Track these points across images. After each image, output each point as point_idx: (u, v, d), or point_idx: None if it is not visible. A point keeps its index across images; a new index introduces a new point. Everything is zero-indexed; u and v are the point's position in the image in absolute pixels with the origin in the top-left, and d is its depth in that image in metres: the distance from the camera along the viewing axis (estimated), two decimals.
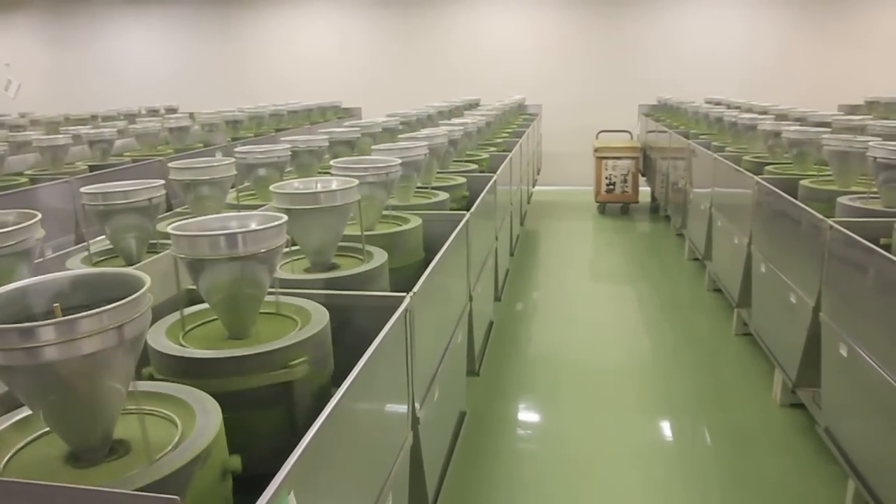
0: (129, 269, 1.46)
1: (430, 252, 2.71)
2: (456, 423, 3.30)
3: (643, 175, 9.52)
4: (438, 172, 4.40)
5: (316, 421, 1.37)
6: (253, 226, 1.85)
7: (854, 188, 3.85)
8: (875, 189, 3.53)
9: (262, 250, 1.77)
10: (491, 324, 4.73)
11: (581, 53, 11.37)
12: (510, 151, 5.81)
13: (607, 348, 4.96)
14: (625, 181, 8.92)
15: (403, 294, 2.09)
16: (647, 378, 4.48)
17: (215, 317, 1.96)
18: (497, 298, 5.07)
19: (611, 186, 8.97)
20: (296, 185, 2.48)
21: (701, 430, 3.87)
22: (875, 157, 3.33)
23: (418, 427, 2.24)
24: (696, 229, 6.29)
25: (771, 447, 3.65)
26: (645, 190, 9.45)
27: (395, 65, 11.79)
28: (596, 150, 9.06)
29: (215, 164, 3.01)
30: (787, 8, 11.06)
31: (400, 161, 3.06)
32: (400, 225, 3.02)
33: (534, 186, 9.60)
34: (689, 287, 6.21)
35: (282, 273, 2.29)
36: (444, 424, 3.00)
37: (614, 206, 9.27)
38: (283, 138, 3.99)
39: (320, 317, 1.95)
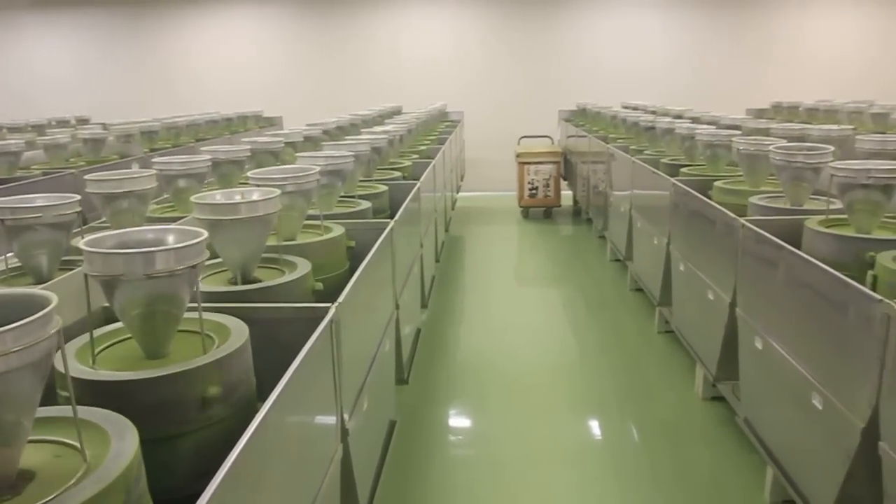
0: (35, 289, 1.39)
1: (354, 261, 2.69)
2: (386, 433, 3.28)
3: (565, 179, 9.70)
4: (362, 181, 4.38)
5: (241, 438, 1.34)
6: (171, 240, 1.80)
7: (764, 188, 4.00)
8: (781, 189, 3.68)
9: (181, 267, 1.72)
10: (418, 331, 4.73)
11: (502, 60, 11.52)
12: (433, 158, 5.84)
13: (535, 350, 5.02)
14: (547, 186, 9.06)
15: (328, 305, 2.07)
16: (575, 378, 4.55)
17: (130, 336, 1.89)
18: (424, 305, 5.07)
19: (533, 191, 9.09)
20: (217, 196, 2.43)
21: (628, 426, 3.95)
22: (776, 159, 3.47)
23: (348, 438, 2.21)
24: (618, 231, 6.43)
25: (695, 439, 3.77)
26: (567, 194, 9.62)
27: (316, 73, 11.68)
28: (518, 156, 9.18)
29: (135, 175, 2.91)
30: (699, 17, 11.50)
31: (321, 169, 3.03)
32: (323, 234, 2.98)
33: (458, 193, 9.66)
34: (613, 287, 6.34)
35: (203, 286, 2.24)
36: (375, 434, 2.98)
37: (537, 210, 9.41)
38: (203, 149, 3.91)
39: (240, 333, 1.90)
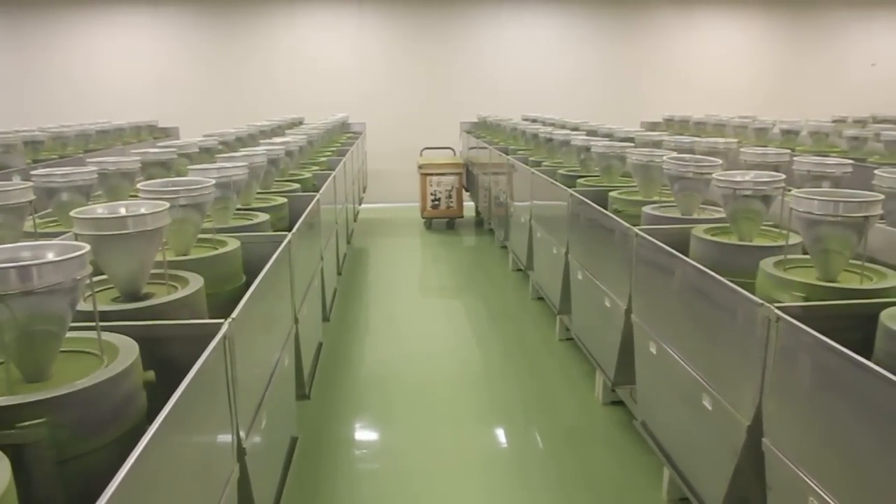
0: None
1: (252, 275, 2.62)
2: (287, 450, 3.21)
3: (467, 190, 9.79)
4: (260, 193, 4.29)
5: (126, 461, 1.27)
6: (50, 256, 1.70)
7: (656, 198, 4.14)
8: (673, 199, 3.82)
9: (59, 283, 1.62)
10: (320, 345, 4.65)
11: (404, 71, 11.54)
12: (334, 170, 5.78)
13: (439, 361, 5.02)
14: (449, 197, 9.12)
15: (221, 321, 2.00)
16: (479, 387, 4.58)
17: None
18: (325, 319, 5.00)
19: (436, 202, 9.14)
20: (100, 210, 2.32)
21: (533, 433, 4.00)
22: (667, 170, 3.61)
23: (245, 458, 2.15)
24: (518, 241, 6.53)
25: (597, 443, 3.86)
26: (469, 205, 9.72)
27: (216, 83, 11.34)
28: (420, 167, 9.21)
29: (10, 188, 2.74)
30: (597, 34, 11.92)
31: (215, 181, 2.94)
32: (217, 248, 2.90)
33: (360, 204, 9.60)
34: (515, 297, 6.43)
35: (88, 305, 2.13)
36: (275, 452, 2.91)
37: (440, 221, 9.46)
38: (90, 160, 3.72)
39: (129, 351, 1.82)
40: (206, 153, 4.97)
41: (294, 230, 3.39)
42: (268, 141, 5.56)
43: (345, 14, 11.37)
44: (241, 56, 11.33)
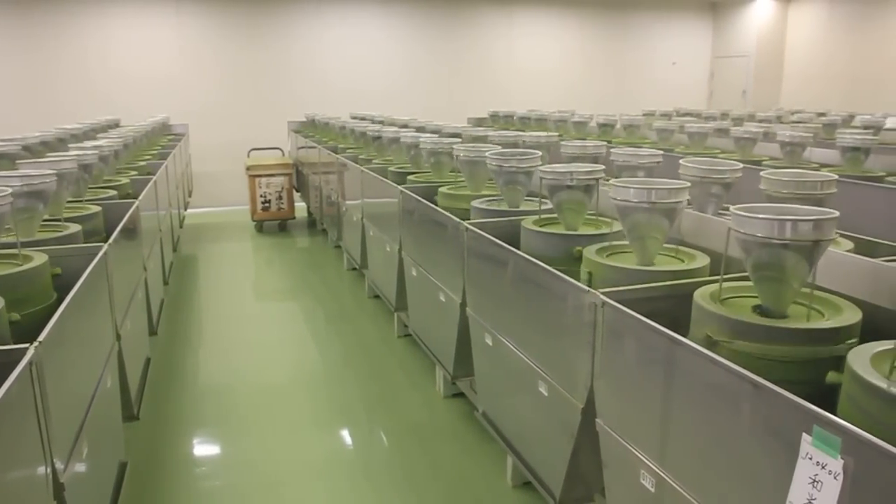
0: None
1: (65, 292, 2.40)
2: (116, 477, 2.99)
3: (298, 191, 9.61)
4: (70, 202, 3.96)
5: None
6: None
7: (484, 192, 4.23)
8: (499, 192, 3.92)
9: None
10: (148, 360, 4.39)
11: (227, 71, 11.10)
12: (154, 174, 5.46)
13: (278, 366, 4.88)
14: (280, 198, 8.91)
15: (26, 346, 1.81)
16: (321, 390, 4.50)
17: None
18: (153, 332, 4.72)
19: (266, 204, 8.90)
20: None
21: (377, 431, 3.98)
22: (493, 164, 3.69)
23: (63, 493, 1.97)
24: (352, 240, 6.48)
25: (441, 436, 3.90)
26: (301, 206, 9.54)
27: (22, 82, 10.35)
28: (248, 169, 8.93)
29: None
30: (424, 32, 12.10)
31: (15, 191, 2.68)
32: (20, 265, 2.64)
33: (186, 209, 9.18)
34: (351, 296, 6.38)
35: None
36: (100, 481, 2.70)
37: (272, 223, 9.22)
38: None
39: None
40: (6, 159, 4.54)
41: (110, 240, 3.16)
42: (79, 145, 5.15)
43: (162, 11, 10.75)
44: (51, 56, 10.38)
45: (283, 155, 10.34)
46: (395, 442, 3.86)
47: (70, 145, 5.31)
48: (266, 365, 4.93)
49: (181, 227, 8.33)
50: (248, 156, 9.96)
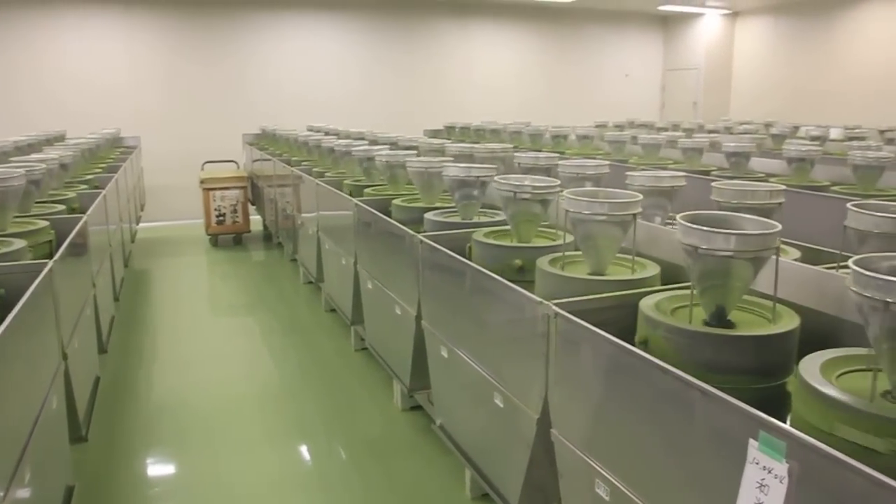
0: None
1: (7, 310, 2.33)
2: (62, 501, 2.91)
3: (253, 204, 9.51)
4: (16, 217, 3.86)
5: None
6: None
7: (439, 204, 4.24)
8: (454, 204, 3.93)
9: None
10: (97, 379, 4.29)
11: (180, 83, 10.95)
12: (104, 188, 5.36)
13: (234, 382, 4.81)
14: (235, 211, 8.81)
15: None
16: (278, 405, 4.44)
17: None
18: (102, 350, 4.62)
19: (221, 218, 8.79)
20: None
21: (335, 447, 3.94)
22: (447, 176, 3.70)
23: None
24: (308, 254, 6.44)
25: (400, 450, 3.87)
26: (256, 219, 9.45)
27: None
28: (202, 182, 8.81)
29: None
30: (378, 43, 12.10)
31: None
32: None
33: (138, 224, 9.02)
34: (308, 310, 6.33)
35: None
36: None
37: (227, 237, 9.10)
38: None
39: None
40: None
41: (56, 256, 3.09)
42: (23, 158, 5.03)
43: (110, 20, 10.56)
44: (2, 63, 10.14)
45: (238, 168, 10.23)
46: (353, 456, 3.82)
47: (12, 159, 5.18)
48: (221, 381, 4.85)
49: (133, 241, 8.19)
50: (203, 168, 9.83)
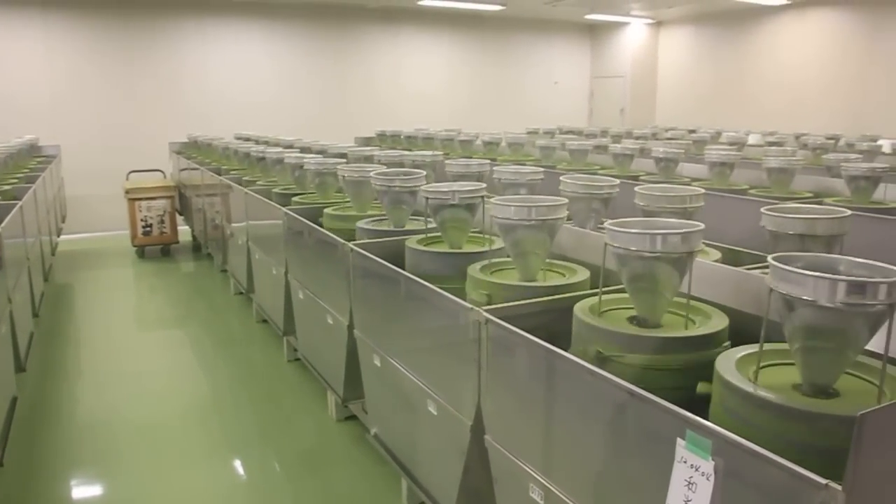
0: None
1: None
2: None
3: (181, 214, 9.30)
4: None
5: None
6: None
7: (370, 212, 4.22)
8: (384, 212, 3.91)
9: None
10: (14, 400, 4.11)
11: (103, 90, 10.62)
12: (20, 199, 5.16)
13: (163, 398, 4.68)
14: (162, 222, 8.59)
15: None
16: (209, 420, 4.34)
17: None
18: (20, 369, 4.43)
19: (148, 228, 8.56)
20: None
21: (269, 460, 3.87)
22: (377, 184, 3.68)
23: None
24: (238, 264, 6.32)
25: (335, 460, 3.84)
26: (185, 229, 9.24)
27: None
28: (127, 192, 8.57)
29: None
30: (308, 50, 12.01)
31: None
32: None
33: (59, 236, 8.71)
34: (239, 322, 6.21)
35: None
36: None
37: (154, 248, 8.87)
38: None
39: None
40: None
41: None
42: None
43: (28, 24, 10.16)
44: None
45: (165, 177, 9.99)
46: (287, 469, 3.76)
47: None
48: (149, 397, 4.71)
49: (53, 254, 7.90)
50: (127, 178, 9.56)
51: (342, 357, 3.71)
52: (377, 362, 3.24)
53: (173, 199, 8.77)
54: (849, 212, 2.42)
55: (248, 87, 11.50)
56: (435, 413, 2.71)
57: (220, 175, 6.85)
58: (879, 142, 7.18)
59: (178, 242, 8.88)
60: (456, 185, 3.20)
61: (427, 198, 3.13)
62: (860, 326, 1.60)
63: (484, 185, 3.23)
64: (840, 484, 1.21)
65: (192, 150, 9.75)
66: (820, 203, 4.05)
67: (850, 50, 10.84)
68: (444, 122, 10.84)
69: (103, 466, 3.83)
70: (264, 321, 5.85)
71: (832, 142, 7.47)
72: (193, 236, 9.21)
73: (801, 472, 1.26)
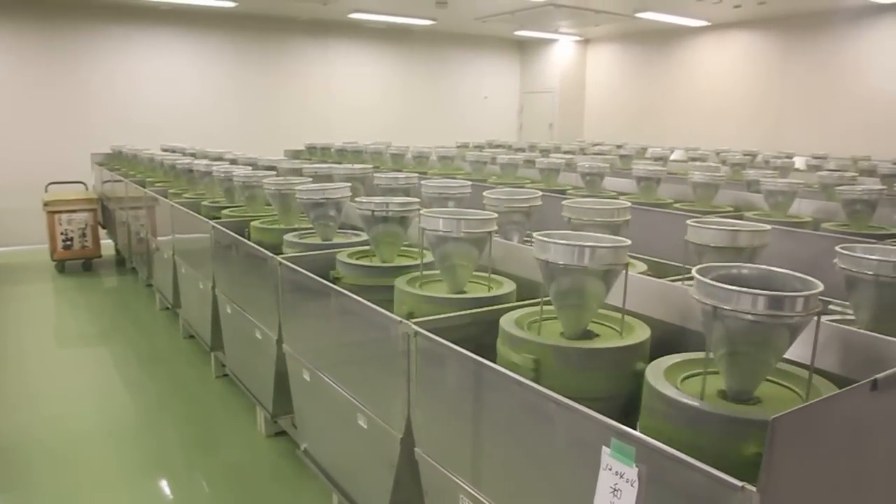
0: None
1: None
2: None
3: (104, 227, 9.02)
4: None
5: None
6: None
7: (297, 225, 4.18)
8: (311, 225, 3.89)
9: None
10: None
11: (19, 100, 10.22)
12: None
13: (85, 417, 4.51)
14: (84, 235, 8.32)
15: None
16: (135, 439, 4.22)
17: None
18: None
19: (68, 242, 8.28)
20: None
21: (197, 477, 3.80)
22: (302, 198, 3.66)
23: None
24: (163, 279, 6.17)
25: (264, 477, 3.78)
26: (108, 243, 8.96)
27: None
28: (46, 205, 8.27)
29: None
30: (234, 61, 11.80)
31: None
32: None
33: None
34: (165, 337, 6.05)
35: None
36: None
37: (75, 262, 8.57)
38: None
39: None
40: None
41: None
42: None
43: None
44: None
45: (87, 189, 9.67)
46: (216, 486, 3.69)
47: None
48: (70, 416, 4.54)
49: None
50: (46, 190, 9.23)
51: (271, 372, 3.66)
52: (306, 377, 3.20)
53: (96, 212, 8.51)
54: (769, 226, 2.53)
55: (177, 97, 11.27)
56: (365, 427, 2.69)
57: (145, 187, 6.68)
58: (794, 158, 7.50)
59: (100, 256, 8.61)
60: (387, 199, 3.20)
61: (358, 210, 3.12)
62: (780, 336, 1.66)
63: (417, 200, 3.24)
64: (755, 485, 1.26)
65: (116, 161, 9.48)
66: (741, 217, 4.21)
67: (766, 70, 11.32)
68: (377, 135, 10.83)
69: (20, 490, 3.67)
70: (191, 337, 5.72)
71: (750, 158, 7.77)
72: (117, 250, 8.94)
73: (718, 475, 1.31)
